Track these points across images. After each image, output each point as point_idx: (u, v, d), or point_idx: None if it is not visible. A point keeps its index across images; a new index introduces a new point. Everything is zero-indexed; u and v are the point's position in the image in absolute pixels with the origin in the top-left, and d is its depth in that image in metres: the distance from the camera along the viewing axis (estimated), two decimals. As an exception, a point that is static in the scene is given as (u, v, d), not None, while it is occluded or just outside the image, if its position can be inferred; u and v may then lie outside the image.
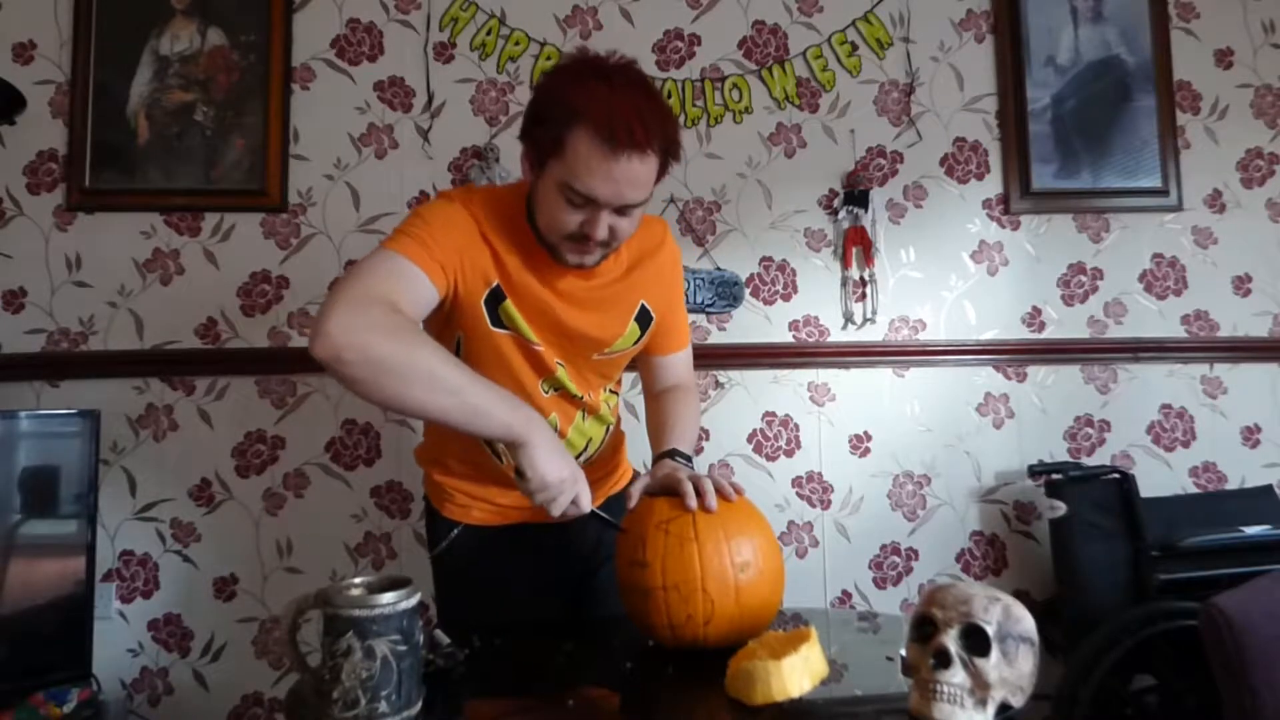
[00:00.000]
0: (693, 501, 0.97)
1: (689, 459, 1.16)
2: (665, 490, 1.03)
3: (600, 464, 1.28)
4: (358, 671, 0.74)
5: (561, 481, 0.96)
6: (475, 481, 1.23)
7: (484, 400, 0.93)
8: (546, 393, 1.15)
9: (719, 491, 1.00)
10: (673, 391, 1.28)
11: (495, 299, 1.06)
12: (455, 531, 1.25)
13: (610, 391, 1.26)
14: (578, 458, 1.19)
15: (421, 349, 0.90)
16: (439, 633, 0.96)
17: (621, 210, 0.99)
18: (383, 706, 0.75)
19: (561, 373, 1.13)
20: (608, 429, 1.26)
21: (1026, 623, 0.76)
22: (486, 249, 1.05)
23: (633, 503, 1.04)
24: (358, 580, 0.82)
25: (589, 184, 0.95)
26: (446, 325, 1.08)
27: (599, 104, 0.93)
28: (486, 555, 1.24)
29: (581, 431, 1.20)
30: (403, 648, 0.76)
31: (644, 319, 1.18)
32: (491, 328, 1.07)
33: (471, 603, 1.24)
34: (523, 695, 0.91)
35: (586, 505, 0.99)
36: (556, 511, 0.97)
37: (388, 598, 0.76)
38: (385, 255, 0.97)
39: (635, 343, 1.19)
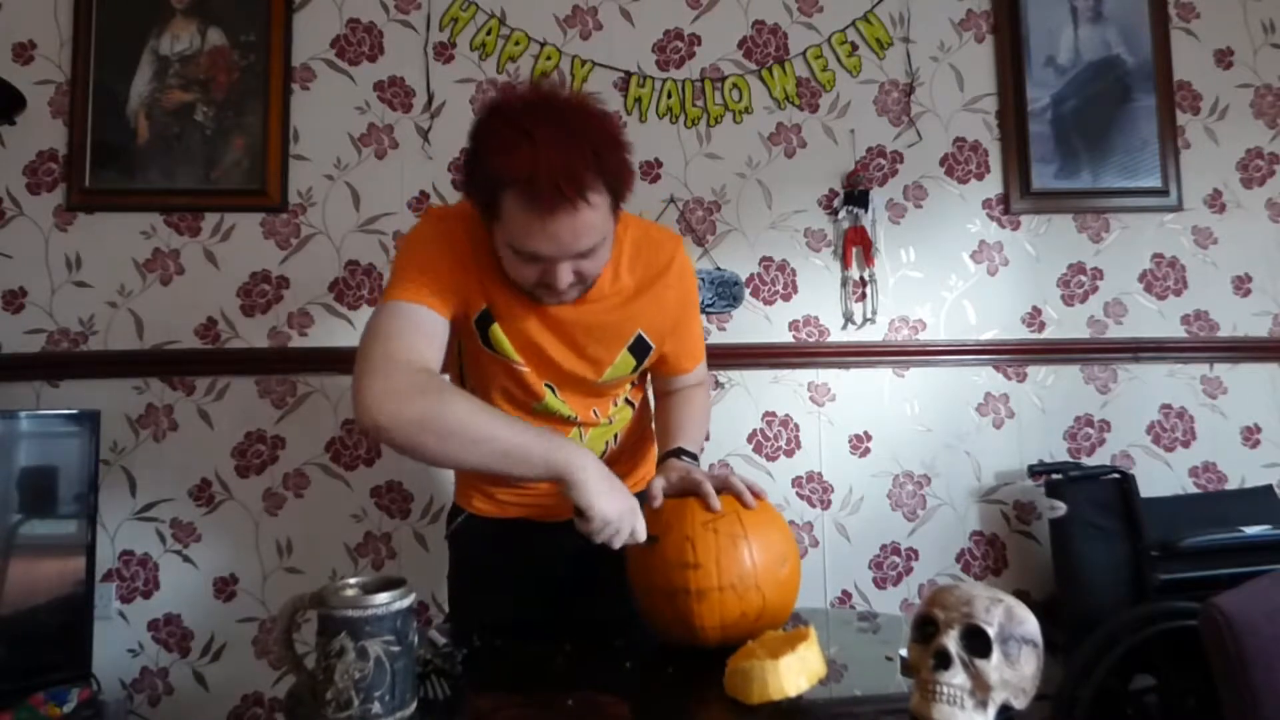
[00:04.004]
0: (716, 504, 0.97)
1: (695, 458, 1.15)
2: (684, 492, 1.03)
3: (615, 466, 1.27)
4: (351, 672, 0.74)
5: (621, 516, 0.95)
6: (481, 474, 1.24)
7: (521, 443, 0.92)
8: (537, 411, 1.14)
9: (744, 492, 1.00)
10: (683, 390, 1.27)
11: (485, 321, 1.06)
12: (461, 518, 1.28)
13: (626, 402, 1.25)
14: None
15: (451, 403, 0.91)
16: (434, 633, 0.96)
17: (580, 254, 0.96)
18: (376, 707, 0.75)
19: (550, 398, 1.12)
20: (615, 436, 1.25)
21: (1030, 624, 0.75)
22: (473, 275, 1.04)
23: (657, 503, 1.03)
24: (353, 580, 0.82)
25: (531, 245, 0.93)
26: (452, 337, 1.07)
27: (522, 166, 0.87)
28: (485, 545, 1.26)
29: (580, 440, 1.19)
30: (396, 648, 0.76)
31: (640, 349, 1.15)
32: (482, 346, 1.08)
33: (471, 589, 1.28)
34: (523, 695, 0.91)
35: (642, 535, 0.98)
36: (618, 544, 0.96)
37: (381, 598, 0.76)
38: (394, 309, 0.97)
39: (633, 371, 1.17)
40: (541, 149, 0.87)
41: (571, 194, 0.88)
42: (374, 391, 0.89)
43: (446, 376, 1.11)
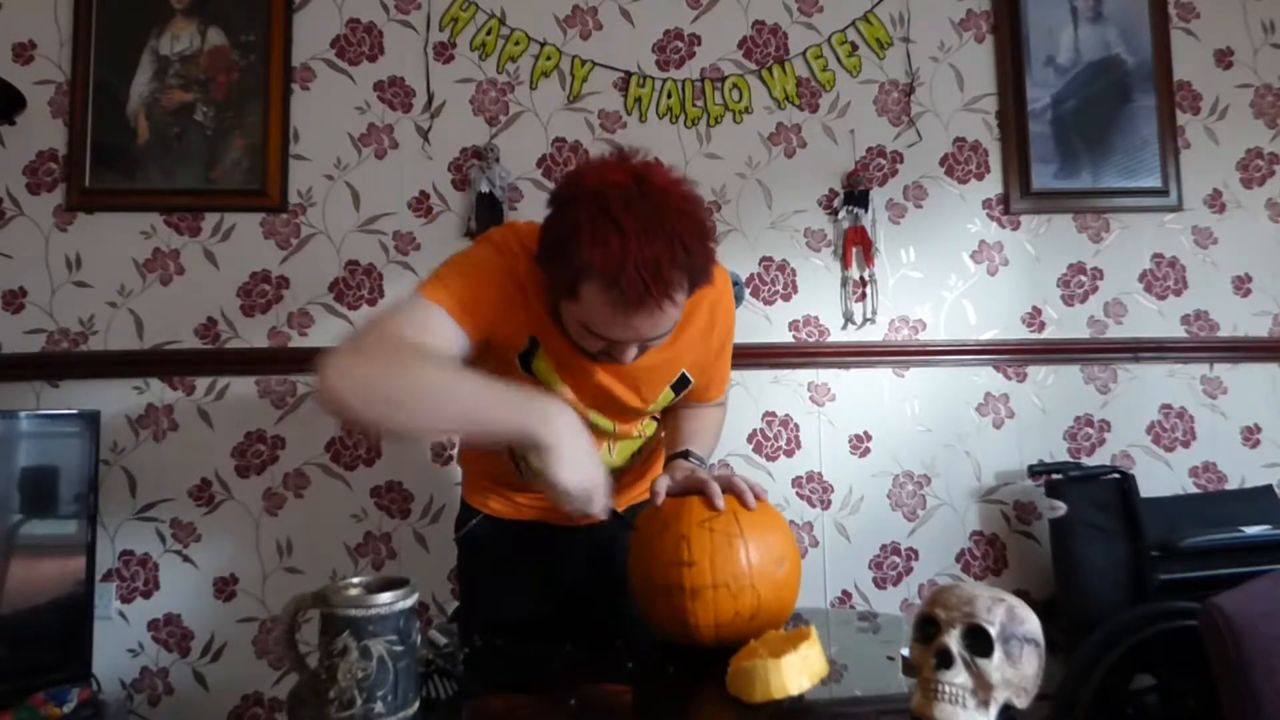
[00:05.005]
0: (720, 503, 0.97)
1: (702, 461, 1.15)
2: (687, 491, 1.03)
3: (633, 471, 1.27)
4: (353, 671, 0.74)
5: (582, 489, 0.90)
6: (494, 476, 1.25)
7: (493, 405, 0.87)
8: None
9: (746, 492, 1.00)
10: (702, 406, 1.27)
11: (529, 353, 1.04)
12: (475, 520, 1.28)
13: (652, 418, 1.25)
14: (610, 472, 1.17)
15: (418, 365, 0.86)
16: (434, 632, 0.96)
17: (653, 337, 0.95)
18: (379, 707, 0.75)
19: (593, 415, 1.12)
20: (642, 448, 1.25)
21: (1031, 624, 0.75)
22: (525, 314, 1.01)
23: (659, 500, 1.02)
24: (356, 580, 0.81)
25: (606, 331, 0.92)
26: (479, 356, 1.03)
27: (610, 261, 0.85)
28: (501, 547, 1.26)
29: (609, 454, 1.19)
30: (399, 648, 0.76)
31: (681, 384, 1.15)
32: (522, 371, 1.06)
33: (483, 591, 1.27)
34: (523, 695, 0.91)
35: (601, 512, 0.95)
36: (571, 512, 0.94)
37: (384, 598, 0.76)
38: (416, 303, 0.94)
39: (670, 402, 1.17)
40: (631, 244, 0.85)
41: (657, 295, 0.87)
42: (339, 365, 0.84)
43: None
